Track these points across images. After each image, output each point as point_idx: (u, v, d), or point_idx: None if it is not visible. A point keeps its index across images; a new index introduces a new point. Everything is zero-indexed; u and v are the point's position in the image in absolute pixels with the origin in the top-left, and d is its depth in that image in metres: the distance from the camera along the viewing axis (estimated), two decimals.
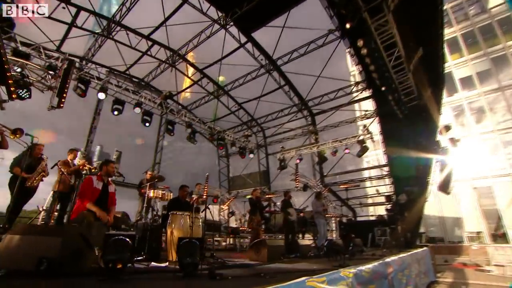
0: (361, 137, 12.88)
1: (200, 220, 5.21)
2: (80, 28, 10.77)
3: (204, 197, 10.40)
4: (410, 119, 9.89)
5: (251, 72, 13.95)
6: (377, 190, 16.00)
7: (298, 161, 14.73)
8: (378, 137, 14.26)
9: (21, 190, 5.04)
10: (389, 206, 12.47)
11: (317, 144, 14.55)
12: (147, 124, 11.10)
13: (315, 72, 13.18)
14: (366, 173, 18.76)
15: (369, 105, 14.33)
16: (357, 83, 13.97)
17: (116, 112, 10.08)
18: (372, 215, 18.31)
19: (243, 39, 12.46)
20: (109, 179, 4.31)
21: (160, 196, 8.18)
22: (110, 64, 12.77)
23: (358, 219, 15.74)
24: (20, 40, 8.03)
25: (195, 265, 3.06)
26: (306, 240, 10.33)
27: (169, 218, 4.84)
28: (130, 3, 10.62)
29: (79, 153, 8.05)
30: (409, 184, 11.18)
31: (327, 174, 15.49)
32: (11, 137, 5.01)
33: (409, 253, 6.54)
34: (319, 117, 15.59)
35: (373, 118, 13.92)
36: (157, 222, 6.11)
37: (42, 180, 5.69)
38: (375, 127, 13.86)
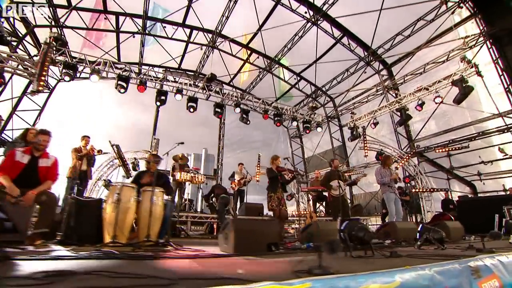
0: (458, 75, 9.63)
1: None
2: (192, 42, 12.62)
3: (250, 179, 9.61)
4: None
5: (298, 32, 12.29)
6: (501, 150, 11.87)
7: (372, 126, 12.29)
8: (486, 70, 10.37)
9: None
10: None
11: (395, 99, 11.78)
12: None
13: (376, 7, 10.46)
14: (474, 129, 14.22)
15: (469, 29, 10.65)
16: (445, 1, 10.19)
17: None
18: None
19: None
20: (49, 153, 3.95)
21: (189, 179, 7.89)
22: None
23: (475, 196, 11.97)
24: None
25: None
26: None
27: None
28: (229, 12, 11.25)
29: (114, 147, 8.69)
30: None
31: (415, 138, 12.40)
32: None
33: None
34: (396, 68, 12.65)
35: (479, 44, 10.16)
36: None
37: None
38: (482, 58, 10.17)
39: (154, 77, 11.38)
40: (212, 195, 9.75)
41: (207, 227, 9.55)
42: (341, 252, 3.01)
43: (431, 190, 10.87)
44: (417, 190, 11.11)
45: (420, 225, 5.04)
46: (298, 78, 14.83)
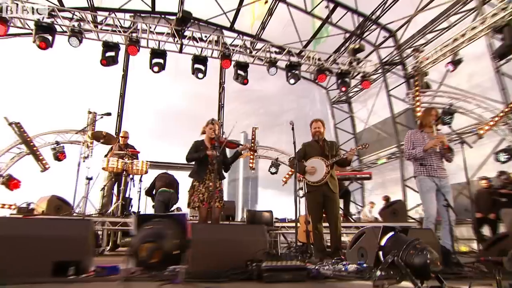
0: None
1: None
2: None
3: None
4: None
5: None
6: None
7: (449, 67, 7.10)
8: None
9: None
10: None
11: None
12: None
13: None
14: None
15: None
16: None
17: None
18: None
19: None
20: None
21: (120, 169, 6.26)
22: None
23: None
24: None
25: None
26: None
27: None
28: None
29: None
30: None
31: None
32: None
33: None
34: None
35: None
36: None
37: None
38: None
39: (120, 26, 8.42)
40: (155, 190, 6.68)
41: None
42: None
43: None
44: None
45: (390, 234, 2.58)
46: (332, 4, 9.92)
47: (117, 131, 8.99)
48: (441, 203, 3.75)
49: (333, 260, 3.30)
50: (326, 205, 4.26)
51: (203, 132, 4.36)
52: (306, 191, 4.35)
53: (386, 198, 9.92)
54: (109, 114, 6.30)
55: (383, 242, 2.55)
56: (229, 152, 4.79)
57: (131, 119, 10.02)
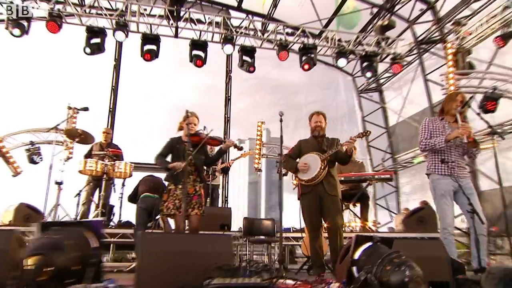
0: None
1: None
2: None
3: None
4: None
5: None
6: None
7: (497, 43, 5.60)
8: None
9: None
10: None
11: None
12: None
13: None
14: None
15: None
16: None
17: None
18: None
19: None
20: None
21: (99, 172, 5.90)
22: None
23: None
24: None
25: None
26: None
27: None
28: None
29: None
30: None
31: None
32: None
33: None
34: None
35: None
36: None
37: None
38: None
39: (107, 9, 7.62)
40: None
41: None
42: None
43: None
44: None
45: (365, 246, 2.34)
46: None
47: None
48: (464, 208, 3.27)
49: (316, 277, 3.14)
50: (323, 209, 3.77)
51: (180, 128, 3.90)
52: (300, 193, 3.94)
53: (425, 203, 8.44)
54: (86, 109, 5.81)
55: (357, 255, 2.32)
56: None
57: (128, 115, 9.37)
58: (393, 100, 10.67)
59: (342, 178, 6.11)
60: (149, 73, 9.36)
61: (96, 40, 7.02)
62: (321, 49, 8.69)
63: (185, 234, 3.57)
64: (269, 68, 8.53)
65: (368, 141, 10.82)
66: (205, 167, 4.27)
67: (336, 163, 3.98)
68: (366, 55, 8.25)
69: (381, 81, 10.72)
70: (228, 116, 9.72)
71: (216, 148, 4.94)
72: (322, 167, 3.73)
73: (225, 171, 7.20)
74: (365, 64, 8.39)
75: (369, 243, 2.29)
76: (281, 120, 3.61)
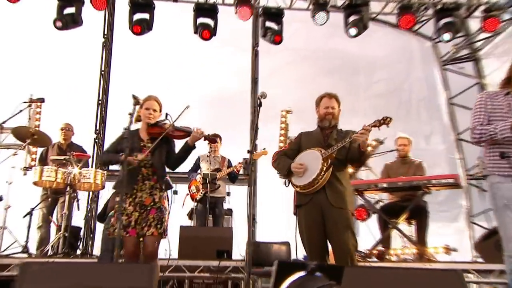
0: None
1: None
2: None
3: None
4: None
5: None
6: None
7: None
8: None
9: None
10: None
11: None
12: None
13: None
14: None
15: None
16: None
17: None
18: None
19: None
20: None
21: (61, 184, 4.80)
22: None
23: None
24: None
25: None
26: None
27: None
28: None
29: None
30: None
31: None
32: None
33: None
34: None
35: None
36: None
37: None
38: None
39: None
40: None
41: None
42: None
43: None
44: None
45: (295, 276, 1.60)
46: None
47: (97, 127, 6.14)
48: None
49: None
50: (326, 226, 2.90)
51: (138, 119, 3.02)
52: (296, 204, 3.11)
53: None
54: (41, 100, 4.87)
55: None
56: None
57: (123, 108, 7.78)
58: (496, 72, 7.44)
59: (385, 185, 4.75)
60: (148, 51, 7.25)
61: (70, 10, 5.69)
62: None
63: (90, 264, 2.64)
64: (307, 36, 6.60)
65: (457, 134, 7.88)
66: (169, 169, 3.18)
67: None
68: (442, 9, 5.86)
69: (478, 44, 7.52)
70: (258, 101, 8.05)
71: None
72: (324, 169, 2.88)
73: (232, 178, 5.59)
74: (442, 22, 5.90)
75: (301, 273, 1.71)
76: (260, 104, 2.92)
